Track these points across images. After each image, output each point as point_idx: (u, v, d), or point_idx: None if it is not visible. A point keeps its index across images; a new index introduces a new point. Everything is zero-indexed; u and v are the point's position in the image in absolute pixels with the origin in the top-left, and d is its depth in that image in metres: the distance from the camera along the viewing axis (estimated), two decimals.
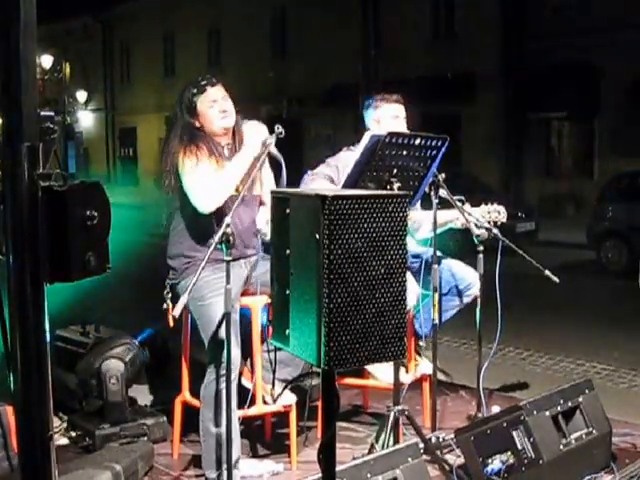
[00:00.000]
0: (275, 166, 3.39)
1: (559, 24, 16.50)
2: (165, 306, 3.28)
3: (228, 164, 3.31)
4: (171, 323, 3.21)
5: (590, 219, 11.57)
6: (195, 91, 3.34)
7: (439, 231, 3.74)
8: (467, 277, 4.02)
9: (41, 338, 2.07)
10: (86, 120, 33.94)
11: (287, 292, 2.16)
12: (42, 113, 2.04)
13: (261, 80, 22.79)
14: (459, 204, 3.77)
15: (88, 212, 2.06)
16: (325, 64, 21.00)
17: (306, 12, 22.19)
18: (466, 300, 4.06)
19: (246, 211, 3.40)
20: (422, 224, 3.96)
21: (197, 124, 3.36)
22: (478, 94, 18.58)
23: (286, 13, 23.82)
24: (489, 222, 3.90)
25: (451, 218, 3.97)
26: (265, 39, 24.48)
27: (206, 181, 3.23)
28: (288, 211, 2.18)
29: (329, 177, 3.70)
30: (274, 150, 3.24)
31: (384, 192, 2.44)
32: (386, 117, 3.86)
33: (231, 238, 2.91)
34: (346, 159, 3.68)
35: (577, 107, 16.78)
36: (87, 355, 3.92)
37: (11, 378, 2.07)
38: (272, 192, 2.43)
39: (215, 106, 3.34)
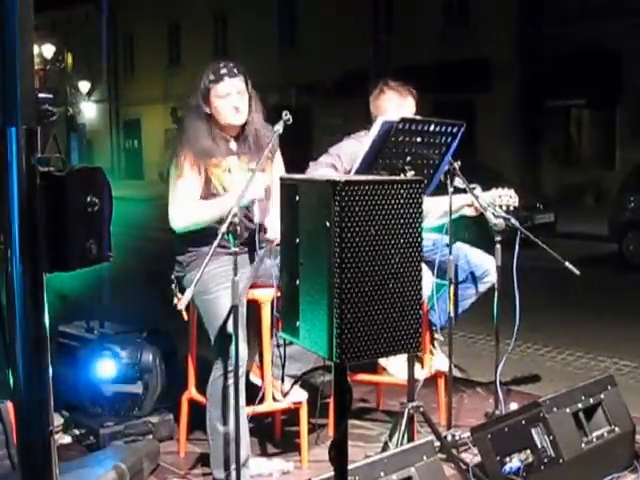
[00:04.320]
0: None
1: (578, 7, 16.21)
2: (175, 301, 3.22)
3: (212, 202, 3.22)
4: (185, 317, 3.14)
5: (611, 210, 11.37)
6: (212, 78, 3.23)
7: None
8: (483, 263, 3.92)
9: (40, 330, 1.98)
10: (89, 111, 33.68)
11: (297, 282, 2.10)
12: (40, 95, 1.95)
13: (269, 68, 22.67)
14: (476, 193, 3.67)
15: (89, 198, 1.98)
16: (335, 51, 20.84)
17: None
18: (482, 288, 3.96)
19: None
20: (428, 212, 3.85)
21: (208, 111, 3.26)
22: (494, 81, 18.33)
23: None
24: (500, 207, 3.81)
25: (462, 204, 3.86)
26: (273, 25, 24.31)
27: (183, 201, 3.20)
28: (297, 198, 2.11)
29: (332, 166, 3.61)
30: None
31: (398, 178, 2.35)
32: (389, 106, 3.75)
33: (238, 228, 2.84)
34: (348, 147, 3.60)
35: (597, 94, 16.55)
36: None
37: (10, 373, 2.00)
38: (281, 178, 2.36)
39: (228, 100, 3.23)
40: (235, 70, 3.25)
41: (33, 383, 1.98)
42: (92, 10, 31.49)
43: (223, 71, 3.23)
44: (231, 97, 3.23)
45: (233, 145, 3.33)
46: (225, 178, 3.26)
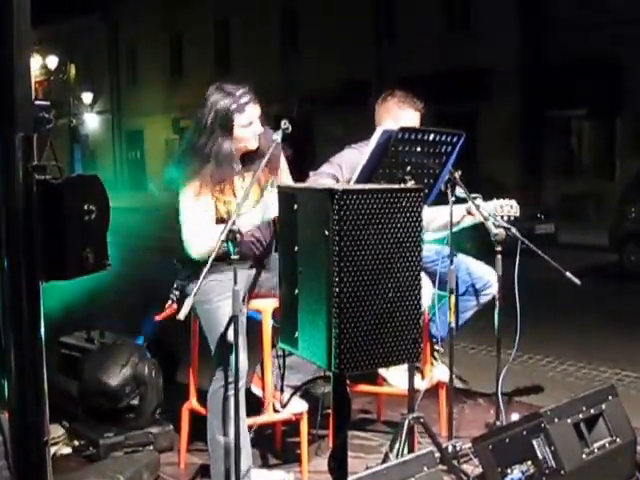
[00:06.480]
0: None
1: (579, 18, 16.21)
2: (170, 302, 3.21)
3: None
4: (181, 316, 3.09)
5: (612, 221, 11.34)
6: (234, 107, 3.13)
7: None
8: (484, 275, 3.91)
9: (36, 339, 1.97)
10: (92, 122, 33.83)
11: (295, 291, 2.08)
12: (37, 102, 1.95)
13: (271, 78, 22.69)
14: (477, 203, 3.65)
15: (85, 206, 1.97)
16: (336, 61, 20.88)
17: (317, 6, 22.04)
18: (483, 300, 3.94)
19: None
20: (430, 223, 3.83)
21: (230, 138, 3.16)
22: (495, 91, 18.33)
23: (296, 8, 23.66)
24: (502, 217, 3.79)
25: (463, 213, 3.83)
26: (274, 35, 24.40)
27: (199, 227, 3.10)
28: (296, 207, 2.10)
29: (333, 176, 3.59)
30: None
31: (397, 186, 2.34)
32: (387, 116, 3.73)
33: (238, 236, 2.81)
34: (350, 157, 3.59)
35: (598, 105, 16.55)
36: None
37: (5, 382, 1.98)
38: (279, 187, 2.35)
39: (250, 128, 3.18)
40: (252, 95, 3.19)
41: (28, 393, 1.97)
42: (95, 22, 31.69)
43: (244, 99, 3.14)
44: (253, 125, 3.19)
45: (237, 166, 3.25)
46: (231, 202, 3.18)
